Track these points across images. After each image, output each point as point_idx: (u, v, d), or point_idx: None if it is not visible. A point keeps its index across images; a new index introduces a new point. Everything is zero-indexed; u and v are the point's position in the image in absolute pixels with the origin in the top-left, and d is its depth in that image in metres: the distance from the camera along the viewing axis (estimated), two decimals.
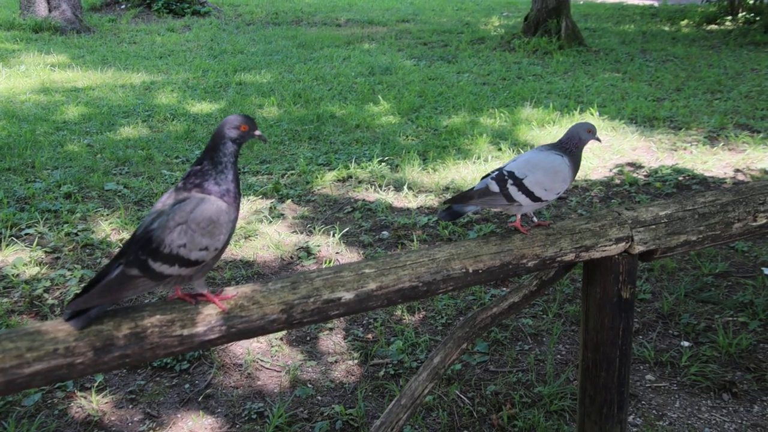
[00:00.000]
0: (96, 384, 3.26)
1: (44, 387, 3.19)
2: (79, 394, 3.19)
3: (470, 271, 1.88)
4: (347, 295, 1.76)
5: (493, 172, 2.05)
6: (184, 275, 1.61)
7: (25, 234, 4.68)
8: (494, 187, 1.99)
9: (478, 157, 6.10)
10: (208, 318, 1.67)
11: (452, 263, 1.87)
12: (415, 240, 4.43)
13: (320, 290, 1.75)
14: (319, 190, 5.48)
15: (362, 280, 1.79)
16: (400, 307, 3.72)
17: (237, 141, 1.64)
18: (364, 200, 5.21)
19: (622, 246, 2.10)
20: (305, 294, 1.74)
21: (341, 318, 3.51)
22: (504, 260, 1.93)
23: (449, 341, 2.11)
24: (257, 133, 1.68)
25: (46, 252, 4.40)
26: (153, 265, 1.54)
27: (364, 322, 3.67)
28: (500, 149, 6.33)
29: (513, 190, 1.97)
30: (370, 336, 3.52)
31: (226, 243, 1.66)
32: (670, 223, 2.16)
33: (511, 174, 1.99)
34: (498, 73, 9.74)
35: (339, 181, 5.65)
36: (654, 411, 3.05)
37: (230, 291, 1.73)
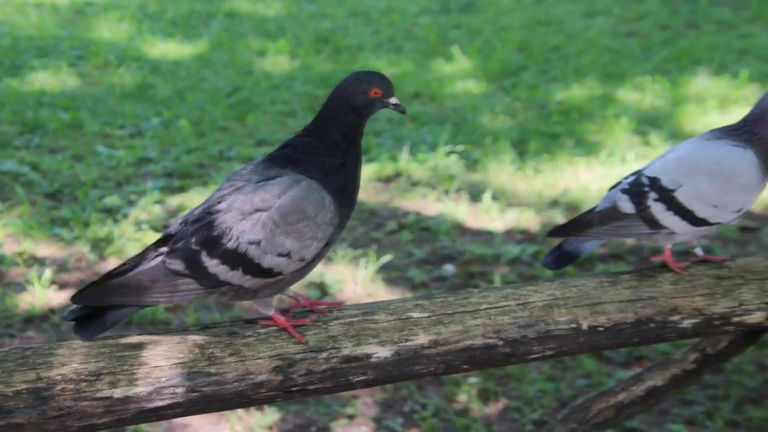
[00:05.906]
0: None
1: None
2: None
3: (584, 327, 1.37)
4: (381, 352, 1.30)
5: (626, 178, 1.52)
6: (246, 287, 1.26)
7: None
8: (626, 206, 1.47)
9: (611, 154, 4.22)
10: (156, 373, 1.20)
11: (555, 312, 1.37)
12: (497, 281, 3.07)
13: (338, 340, 1.29)
14: None
15: (407, 328, 1.33)
16: (466, 388, 2.54)
17: (362, 111, 1.27)
18: (418, 213, 3.60)
19: None
20: (315, 345, 1.28)
21: (369, 397, 2.50)
22: (642, 313, 1.41)
23: None
24: (393, 101, 1.29)
25: None
26: (207, 261, 1.22)
27: (406, 408, 2.49)
28: (648, 142, 4.40)
29: (658, 208, 1.45)
30: None
31: (319, 256, 1.28)
32: None
33: (655, 182, 1.46)
34: (654, 18, 6.98)
35: (380, 180, 3.93)
36: None
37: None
